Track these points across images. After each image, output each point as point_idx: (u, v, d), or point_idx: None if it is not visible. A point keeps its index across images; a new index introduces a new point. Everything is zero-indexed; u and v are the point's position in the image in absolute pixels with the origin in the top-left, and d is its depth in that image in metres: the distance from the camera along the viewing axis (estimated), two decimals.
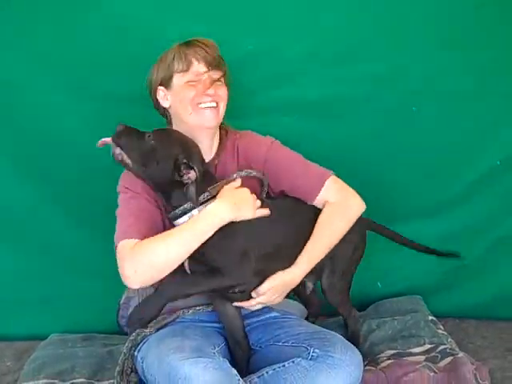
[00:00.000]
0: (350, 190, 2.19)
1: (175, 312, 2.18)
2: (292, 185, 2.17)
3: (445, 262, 2.72)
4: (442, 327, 2.52)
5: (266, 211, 2.05)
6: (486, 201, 2.70)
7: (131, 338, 2.12)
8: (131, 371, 2.15)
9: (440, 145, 2.63)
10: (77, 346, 2.56)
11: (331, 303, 2.29)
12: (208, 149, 2.17)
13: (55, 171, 2.63)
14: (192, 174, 1.96)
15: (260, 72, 2.54)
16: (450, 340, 2.40)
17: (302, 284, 2.27)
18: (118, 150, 2.00)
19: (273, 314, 2.25)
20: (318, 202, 2.17)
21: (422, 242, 2.65)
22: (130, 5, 2.46)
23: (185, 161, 1.97)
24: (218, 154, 2.20)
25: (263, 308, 2.19)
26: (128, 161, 2.00)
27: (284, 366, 1.98)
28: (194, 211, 1.99)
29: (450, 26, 2.49)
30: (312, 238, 2.13)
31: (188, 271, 2.05)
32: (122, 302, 2.22)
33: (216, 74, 2.09)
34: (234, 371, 1.89)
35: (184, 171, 1.97)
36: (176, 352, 1.89)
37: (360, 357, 2.02)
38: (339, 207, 2.16)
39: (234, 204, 1.99)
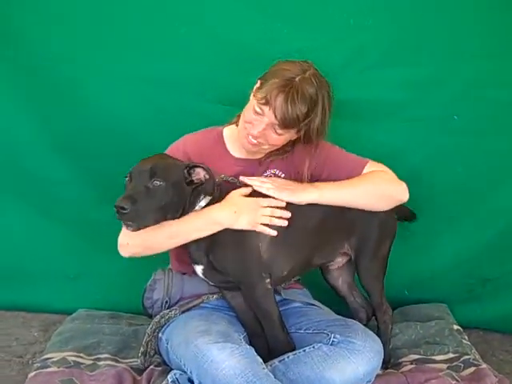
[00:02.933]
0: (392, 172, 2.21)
1: (200, 297, 2.21)
2: (334, 171, 2.18)
3: (473, 274, 2.77)
4: (466, 337, 2.48)
5: (270, 231, 2.05)
6: None
7: (155, 320, 2.15)
8: (155, 353, 2.20)
9: (481, 154, 2.58)
10: (103, 322, 2.58)
11: (365, 288, 2.29)
12: None
13: (91, 147, 2.64)
14: (200, 172, 1.99)
15: None
16: (473, 351, 2.37)
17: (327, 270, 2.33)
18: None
19: (295, 305, 2.27)
20: None
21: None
22: None
23: (189, 164, 2.00)
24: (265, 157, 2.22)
25: (284, 299, 2.25)
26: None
27: (305, 350, 2.01)
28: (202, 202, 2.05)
29: (494, 34, 2.43)
30: (348, 181, 2.14)
31: (201, 276, 2.13)
32: (148, 283, 2.24)
33: (279, 128, 2.03)
34: (260, 359, 1.91)
35: (192, 173, 2.00)
36: (204, 335, 1.93)
37: (380, 345, 2.05)
38: (387, 174, 2.19)
39: (234, 212, 2.02)
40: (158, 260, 2.26)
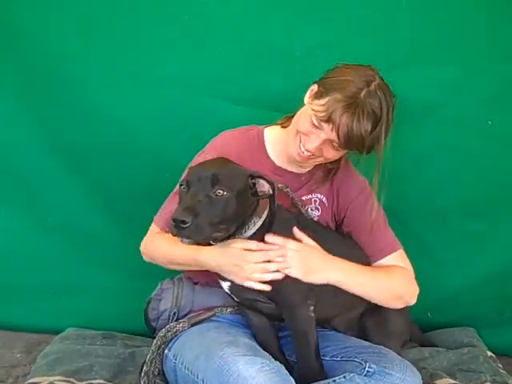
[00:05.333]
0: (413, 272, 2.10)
1: (212, 309, 2.08)
2: (362, 237, 2.07)
3: (502, 294, 2.62)
4: (501, 365, 2.34)
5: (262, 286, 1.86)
6: None
7: (161, 334, 2.02)
8: (158, 372, 2.03)
9: None
10: (96, 343, 2.44)
11: None
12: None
13: (91, 151, 2.50)
14: (264, 185, 1.82)
15: (321, 66, 2.25)
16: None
17: None
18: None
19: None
20: (377, 263, 2.09)
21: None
22: None
23: (253, 173, 1.83)
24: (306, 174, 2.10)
25: None
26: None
27: (335, 381, 1.84)
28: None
29: None
30: (368, 269, 2.01)
31: (227, 292, 1.98)
32: (154, 293, 2.12)
33: (338, 146, 1.90)
34: (292, 380, 1.74)
35: (256, 184, 1.83)
36: (230, 346, 1.78)
37: (420, 378, 1.88)
38: (408, 274, 2.07)
39: (232, 265, 1.86)
40: (158, 273, 2.16)
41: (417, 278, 2.24)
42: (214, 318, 2.05)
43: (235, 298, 1.98)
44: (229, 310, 2.06)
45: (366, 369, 1.82)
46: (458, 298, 2.61)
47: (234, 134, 2.09)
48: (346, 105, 1.83)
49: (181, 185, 1.77)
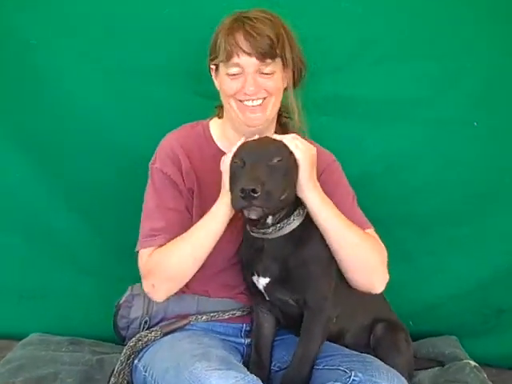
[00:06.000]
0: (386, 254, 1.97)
1: (186, 317, 1.97)
2: None
3: (486, 303, 2.56)
4: (485, 375, 2.24)
5: None
6: None
7: (130, 343, 1.92)
8: None
9: (501, 167, 2.39)
10: (62, 349, 2.36)
11: None
12: None
13: (59, 144, 2.42)
14: None
15: None
16: None
17: None
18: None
19: None
20: None
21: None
22: None
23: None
24: None
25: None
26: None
27: None
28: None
29: None
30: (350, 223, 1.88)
31: (261, 289, 1.89)
32: (123, 300, 2.02)
33: (264, 66, 1.86)
34: None
35: None
36: (202, 360, 1.67)
37: None
38: (382, 252, 1.93)
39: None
40: (128, 276, 2.06)
41: (399, 287, 2.18)
42: (187, 327, 1.96)
43: (267, 297, 1.90)
44: (204, 317, 1.97)
45: (352, 377, 1.70)
46: (440, 307, 2.55)
47: (180, 133, 2.03)
48: (233, 27, 1.84)
49: (235, 162, 1.74)
